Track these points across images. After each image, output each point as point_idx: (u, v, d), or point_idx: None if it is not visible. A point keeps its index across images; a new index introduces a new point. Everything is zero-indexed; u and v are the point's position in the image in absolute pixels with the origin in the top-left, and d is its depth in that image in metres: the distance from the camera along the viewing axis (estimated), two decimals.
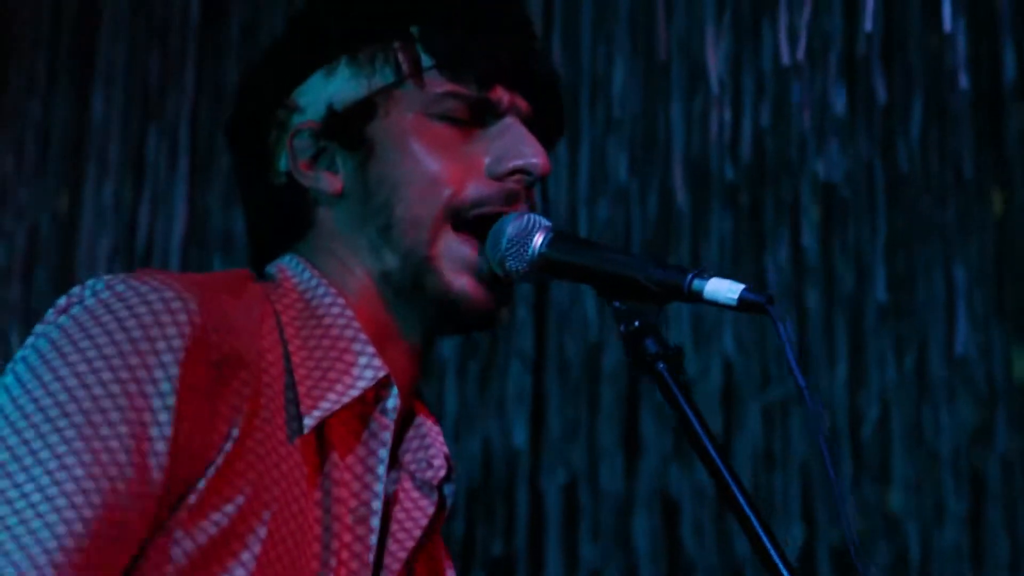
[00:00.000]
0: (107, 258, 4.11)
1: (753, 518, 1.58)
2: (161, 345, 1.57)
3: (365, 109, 1.77)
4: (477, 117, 1.78)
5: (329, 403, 1.68)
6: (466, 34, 1.78)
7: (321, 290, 1.74)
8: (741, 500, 1.59)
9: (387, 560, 1.77)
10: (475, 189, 1.75)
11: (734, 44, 3.87)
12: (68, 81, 4.20)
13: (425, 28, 1.79)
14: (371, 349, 1.71)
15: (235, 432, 1.60)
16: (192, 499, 1.58)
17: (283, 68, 1.83)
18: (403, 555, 1.77)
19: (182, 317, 1.58)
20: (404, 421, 1.81)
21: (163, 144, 4.16)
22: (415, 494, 1.79)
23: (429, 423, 1.83)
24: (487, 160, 1.77)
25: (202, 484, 1.58)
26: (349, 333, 1.72)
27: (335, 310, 1.73)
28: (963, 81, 3.69)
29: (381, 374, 1.70)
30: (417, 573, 1.83)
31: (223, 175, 4.16)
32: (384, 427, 1.72)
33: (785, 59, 3.68)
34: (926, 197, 4.11)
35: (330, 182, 1.78)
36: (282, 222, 1.81)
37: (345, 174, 1.77)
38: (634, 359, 1.66)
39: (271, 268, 1.79)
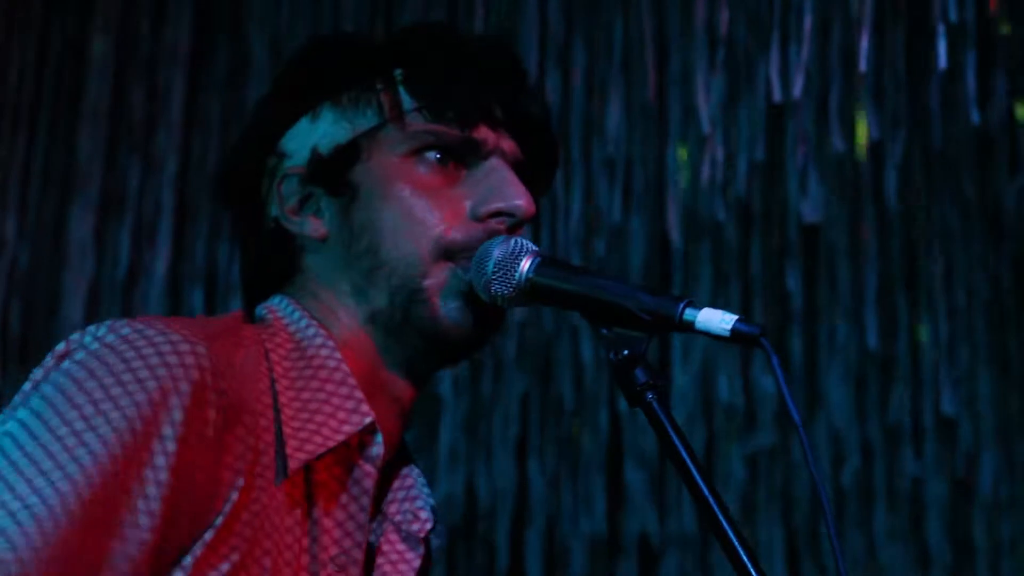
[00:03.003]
0: (87, 291, 4.08)
1: (741, 550, 1.55)
2: (169, 385, 1.54)
3: (348, 152, 1.74)
4: (461, 158, 1.75)
5: (313, 446, 1.65)
6: (449, 75, 1.76)
7: (311, 331, 1.72)
8: (729, 532, 1.56)
9: None
10: (459, 232, 1.72)
11: (726, 84, 3.87)
12: (52, 114, 4.18)
13: (408, 71, 1.76)
14: (359, 394, 1.68)
15: (240, 482, 1.58)
16: (198, 551, 1.55)
17: (270, 116, 1.81)
18: None
19: (190, 360, 1.56)
20: (390, 469, 1.79)
21: (147, 178, 4.15)
22: (401, 547, 1.76)
23: (415, 472, 1.80)
24: (470, 203, 1.73)
25: (209, 535, 1.55)
26: (338, 376, 1.69)
27: (324, 352, 1.70)
28: (974, 117, 3.68)
29: (367, 420, 1.67)
30: None
31: (208, 210, 4.15)
32: (367, 475, 1.69)
33: (777, 97, 3.68)
34: (916, 242, 4.11)
35: (314, 227, 1.75)
36: (271, 268, 1.78)
37: (329, 219, 1.75)
38: (623, 388, 1.63)
39: (261, 310, 1.77)
